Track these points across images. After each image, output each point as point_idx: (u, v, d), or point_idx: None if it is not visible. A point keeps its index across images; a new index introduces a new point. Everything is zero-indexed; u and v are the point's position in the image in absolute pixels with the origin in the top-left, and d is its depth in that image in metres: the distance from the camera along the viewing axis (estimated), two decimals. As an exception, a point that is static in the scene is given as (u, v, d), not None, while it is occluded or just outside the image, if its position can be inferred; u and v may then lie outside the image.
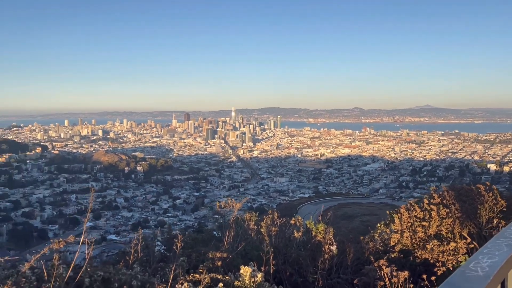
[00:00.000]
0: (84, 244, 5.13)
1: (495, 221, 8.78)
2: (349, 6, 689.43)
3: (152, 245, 6.38)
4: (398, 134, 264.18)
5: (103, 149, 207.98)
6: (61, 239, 4.32)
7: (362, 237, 8.83)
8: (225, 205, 9.00)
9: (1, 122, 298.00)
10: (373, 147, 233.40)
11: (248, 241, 7.32)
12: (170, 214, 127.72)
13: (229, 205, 8.96)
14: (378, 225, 8.56)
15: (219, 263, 5.69)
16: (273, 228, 7.69)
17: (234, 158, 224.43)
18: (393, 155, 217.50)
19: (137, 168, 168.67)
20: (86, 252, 4.39)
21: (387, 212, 8.78)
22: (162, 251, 7.00)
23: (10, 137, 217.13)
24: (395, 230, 8.04)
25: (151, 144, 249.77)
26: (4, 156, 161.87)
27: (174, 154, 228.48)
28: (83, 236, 4.31)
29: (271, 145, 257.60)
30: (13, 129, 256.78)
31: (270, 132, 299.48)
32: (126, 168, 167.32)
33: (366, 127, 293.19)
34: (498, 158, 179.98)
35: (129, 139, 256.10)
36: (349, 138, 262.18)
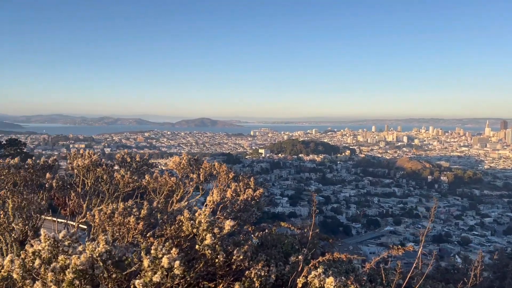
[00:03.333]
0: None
1: None
2: None
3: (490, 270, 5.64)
4: None
5: (406, 156, 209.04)
6: (399, 246, 4.33)
7: None
8: None
9: (319, 127, 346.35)
10: None
11: None
12: (476, 233, 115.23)
13: None
14: None
15: None
16: None
17: None
18: None
19: (441, 178, 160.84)
20: (420, 263, 4.22)
21: None
22: (492, 277, 6.08)
23: (325, 140, 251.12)
24: None
25: (458, 154, 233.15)
26: (320, 156, 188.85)
27: (485, 166, 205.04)
28: (420, 246, 4.17)
29: None
30: (328, 133, 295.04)
31: None
32: (429, 177, 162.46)
33: None
34: None
35: (434, 147, 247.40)
36: None
